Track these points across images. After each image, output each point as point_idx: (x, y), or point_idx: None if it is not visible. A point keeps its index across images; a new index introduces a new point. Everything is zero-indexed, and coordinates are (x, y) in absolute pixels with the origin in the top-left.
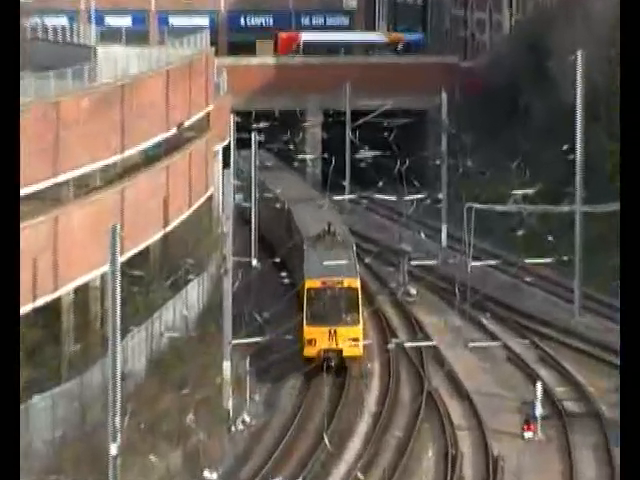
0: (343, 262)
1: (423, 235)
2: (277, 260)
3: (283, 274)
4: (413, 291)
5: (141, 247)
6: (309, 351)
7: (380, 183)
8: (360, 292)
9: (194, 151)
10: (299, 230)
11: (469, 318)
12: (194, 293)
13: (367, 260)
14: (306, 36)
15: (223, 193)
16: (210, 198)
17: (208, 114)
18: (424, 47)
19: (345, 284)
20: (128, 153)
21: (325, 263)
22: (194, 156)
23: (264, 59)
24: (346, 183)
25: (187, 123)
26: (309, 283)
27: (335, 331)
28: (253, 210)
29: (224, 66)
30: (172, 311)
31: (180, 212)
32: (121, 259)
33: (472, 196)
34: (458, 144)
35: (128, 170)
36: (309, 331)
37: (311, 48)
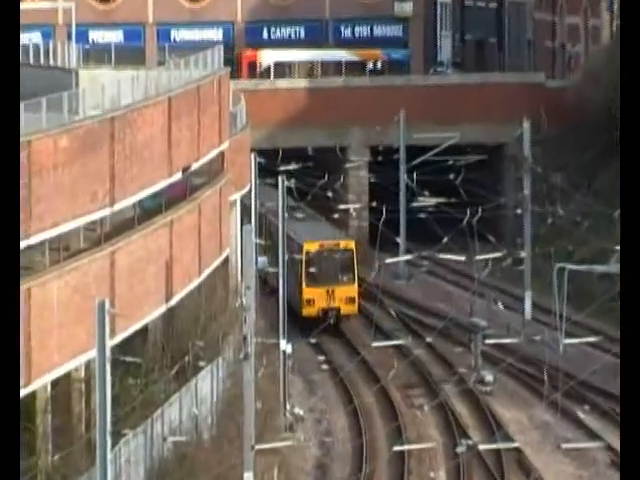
0: (331, 227)
1: (501, 305)
2: (313, 341)
3: (321, 358)
4: (489, 377)
5: (137, 326)
6: (308, 311)
7: (445, 239)
8: (355, 253)
9: (204, 202)
10: None
11: (562, 412)
12: (206, 385)
13: (429, 339)
14: None
15: (242, 256)
16: (226, 262)
17: (222, 154)
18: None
19: (342, 246)
20: (120, 206)
21: (319, 227)
22: (204, 209)
23: (294, 82)
24: (401, 239)
25: (195, 166)
26: (308, 246)
27: (333, 291)
28: (281, 277)
29: (242, 91)
30: (178, 408)
31: (187, 281)
32: (112, 342)
33: (564, 254)
34: (545, 187)
35: (120, 228)
36: (308, 291)
37: None
